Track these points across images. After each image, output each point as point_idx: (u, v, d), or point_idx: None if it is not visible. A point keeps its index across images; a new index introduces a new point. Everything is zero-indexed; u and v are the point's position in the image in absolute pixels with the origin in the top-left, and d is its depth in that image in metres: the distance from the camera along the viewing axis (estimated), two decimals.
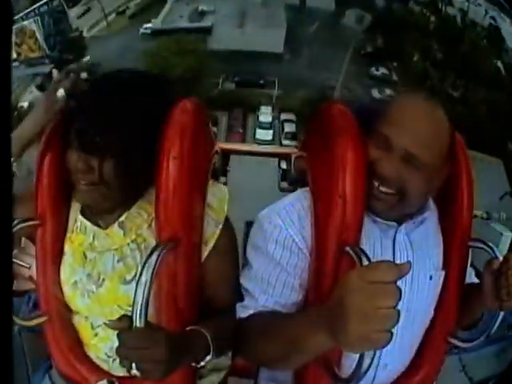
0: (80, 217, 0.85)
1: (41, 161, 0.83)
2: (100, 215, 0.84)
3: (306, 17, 15.23)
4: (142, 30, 15.07)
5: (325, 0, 15.60)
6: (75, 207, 0.86)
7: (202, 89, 11.58)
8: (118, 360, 0.64)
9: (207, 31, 15.19)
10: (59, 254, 0.85)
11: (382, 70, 14.40)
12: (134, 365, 0.61)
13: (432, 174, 0.79)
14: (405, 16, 14.85)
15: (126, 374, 0.78)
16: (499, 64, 13.44)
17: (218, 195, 0.85)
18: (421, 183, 0.79)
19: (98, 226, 0.84)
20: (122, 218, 0.82)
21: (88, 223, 0.84)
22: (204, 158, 0.86)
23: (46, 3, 13.14)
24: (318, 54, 14.41)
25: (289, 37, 15.09)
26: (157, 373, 0.63)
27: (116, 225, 0.83)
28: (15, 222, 0.80)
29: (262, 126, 13.24)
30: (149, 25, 15.20)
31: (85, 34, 14.35)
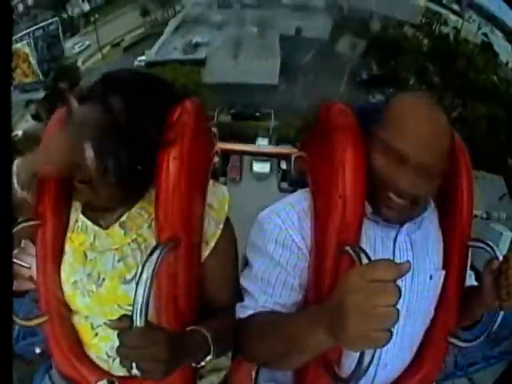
0: (81, 216, 0.85)
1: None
2: (101, 215, 0.84)
3: (301, 46, 15.19)
4: (136, 63, 15.11)
5: (319, 29, 15.79)
6: (76, 207, 0.86)
7: None
8: (118, 360, 0.64)
9: (201, 63, 15.11)
10: (59, 253, 0.85)
11: (379, 97, 14.40)
12: (134, 364, 0.61)
13: (439, 178, 0.80)
14: (399, 40, 14.92)
15: (126, 374, 0.78)
16: (495, 79, 13.52)
17: (218, 195, 0.85)
18: (432, 189, 0.80)
19: (99, 225, 0.84)
20: (123, 218, 0.83)
21: (89, 223, 0.84)
22: (204, 158, 0.86)
23: (41, 27, 13.17)
24: (314, 82, 14.34)
25: (283, 67, 15.09)
26: (157, 372, 0.63)
27: (117, 224, 0.83)
28: (15, 222, 0.80)
29: (259, 159, 13.05)
30: (143, 57, 15.26)
31: (79, 65, 14.45)
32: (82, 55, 14.68)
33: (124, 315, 0.64)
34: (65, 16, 14.47)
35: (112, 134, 0.75)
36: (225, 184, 0.95)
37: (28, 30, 12.49)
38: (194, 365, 0.76)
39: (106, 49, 15.68)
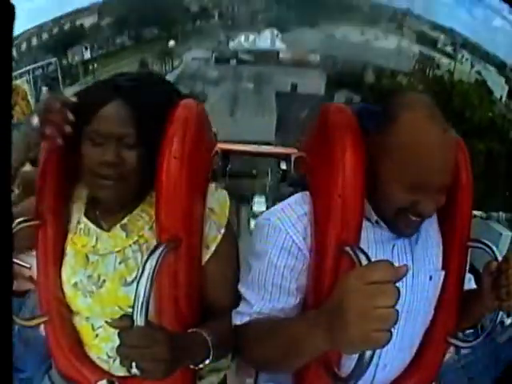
0: (84, 219, 0.85)
1: (42, 161, 0.83)
2: (103, 217, 0.84)
3: (297, 102, 15.21)
4: None
5: (315, 85, 15.87)
6: (78, 208, 0.86)
7: None
8: (118, 360, 0.64)
9: None
10: (60, 254, 0.85)
11: None
12: (134, 364, 0.61)
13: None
14: (393, 89, 15.00)
15: (127, 374, 0.78)
16: (490, 115, 13.62)
17: (219, 200, 0.85)
18: (444, 202, 0.79)
19: (101, 228, 0.84)
20: (125, 221, 0.83)
21: (92, 225, 0.84)
22: (204, 158, 0.86)
23: (41, 67, 13.18)
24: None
25: (279, 123, 15.06)
26: (157, 372, 0.63)
27: (118, 227, 0.83)
28: (16, 222, 0.80)
29: (257, 217, 12.87)
30: None
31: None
32: None
33: (124, 315, 0.64)
34: (65, 63, 14.63)
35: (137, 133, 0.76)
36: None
37: (28, 68, 12.52)
38: (192, 367, 0.76)
39: None
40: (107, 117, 0.76)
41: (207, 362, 0.75)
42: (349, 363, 0.72)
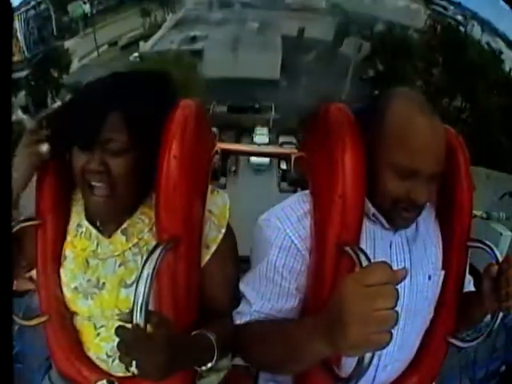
0: (85, 222, 0.85)
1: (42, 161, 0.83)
2: (103, 222, 0.84)
3: (304, 47, 14.86)
4: (131, 58, 14.95)
5: (323, 30, 15.41)
6: (78, 210, 0.86)
7: None
8: (117, 360, 0.64)
9: (198, 53, 14.57)
10: (60, 253, 0.85)
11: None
12: (134, 363, 0.61)
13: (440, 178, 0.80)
14: (405, 39, 14.84)
15: (126, 374, 0.78)
16: (506, 69, 13.37)
17: (219, 202, 0.85)
18: (435, 192, 0.80)
19: (102, 233, 0.84)
20: (125, 225, 0.83)
21: (93, 230, 0.84)
22: (204, 158, 0.86)
23: (33, 7, 13.10)
24: (317, 80, 13.95)
25: (285, 64, 14.57)
26: (155, 374, 0.62)
27: (119, 232, 0.83)
28: (15, 221, 0.80)
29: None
30: (136, 54, 15.09)
31: (75, 63, 14.45)
32: (78, 53, 14.69)
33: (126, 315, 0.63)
34: (66, 19, 14.54)
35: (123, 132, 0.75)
36: (225, 185, 0.95)
37: (21, 10, 12.35)
38: (196, 368, 0.76)
39: (103, 48, 15.67)
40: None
41: (213, 361, 0.75)
42: (349, 363, 0.72)
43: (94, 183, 0.76)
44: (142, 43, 15.40)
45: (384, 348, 0.56)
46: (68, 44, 14.48)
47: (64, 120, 0.78)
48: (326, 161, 0.80)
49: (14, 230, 0.79)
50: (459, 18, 15.03)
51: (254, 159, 12.16)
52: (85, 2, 15.19)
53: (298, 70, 14.41)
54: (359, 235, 0.78)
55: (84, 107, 0.77)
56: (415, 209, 0.79)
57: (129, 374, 0.64)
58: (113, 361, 0.84)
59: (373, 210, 0.81)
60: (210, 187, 0.86)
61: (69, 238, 0.86)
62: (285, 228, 0.82)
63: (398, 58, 14.65)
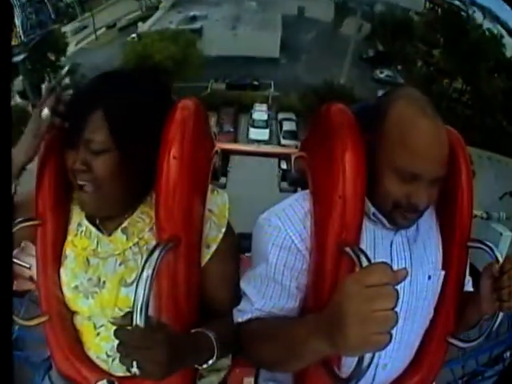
0: (85, 221, 0.85)
1: (42, 160, 0.83)
2: (104, 221, 0.84)
3: (304, 25, 14.74)
4: (129, 39, 14.85)
5: (323, 10, 15.26)
6: (78, 210, 0.86)
7: (185, 82, 10.75)
8: (117, 359, 0.64)
9: (197, 32, 14.39)
10: (60, 253, 0.86)
11: (387, 73, 14.13)
12: (135, 363, 0.61)
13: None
14: (406, 19, 14.75)
15: (126, 374, 0.78)
16: (508, 53, 13.22)
17: (219, 202, 0.85)
18: (437, 195, 0.80)
19: (102, 232, 0.84)
20: (125, 224, 0.83)
21: (93, 229, 0.84)
22: (204, 157, 0.86)
23: None
24: (317, 58, 13.82)
25: (285, 44, 14.44)
26: (156, 373, 0.63)
27: (119, 230, 0.83)
28: (15, 221, 0.80)
29: (257, 125, 12.10)
30: (134, 35, 15.01)
31: (72, 47, 14.40)
32: (75, 37, 14.62)
33: (128, 312, 0.63)
34: (61, 4, 14.47)
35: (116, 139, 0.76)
36: (225, 185, 0.94)
37: None
38: (196, 366, 0.76)
39: (101, 30, 15.59)
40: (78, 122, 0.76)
41: (212, 360, 0.75)
42: (349, 363, 0.72)
43: (79, 182, 0.77)
44: (140, 24, 15.24)
45: (383, 349, 0.56)
46: (65, 28, 14.38)
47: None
48: (326, 161, 0.80)
49: (14, 229, 0.79)
50: (458, 3, 14.96)
51: (253, 135, 11.72)
52: None
53: (297, 49, 14.26)
54: (359, 235, 0.78)
55: (70, 107, 0.79)
56: (416, 212, 0.79)
57: (129, 374, 0.64)
58: (113, 361, 0.84)
59: (373, 209, 0.81)
60: (209, 187, 0.86)
61: (69, 238, 0.86)
62: (285, 228, 0.82)
63: (398, 39, 14.55)
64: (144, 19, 15.46)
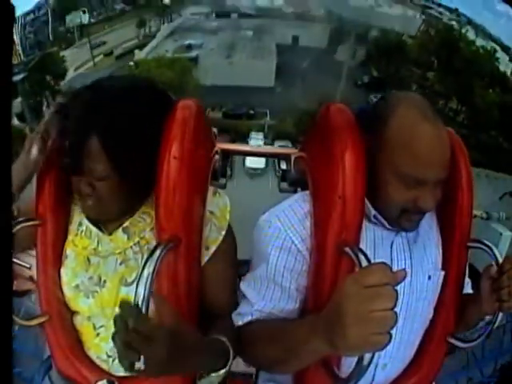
0: (85, 221, 0.85)
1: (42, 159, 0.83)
2: (104, 222, 0.84)
3: (298, 54, 14.84)
4: (127, 65, 15.04)
5: (317, 37, 15.50)
6: (79, 210, 0.86)
7: None
8: (117, 360, 0.63)
9: (193, 60, 14.47)
10: (60, 253, 0.86)
11: None
12: (142, 358, 0.59)
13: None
14: (399, 43, 14.87)
15: (126, 374, 0.78)
16: (502, 67, 13.40)
17: (219, 204, 0.85)
18: (441, 193, 0.80)
19: (103, 231, 0.84)
20: (126, 224, 0.83)
21: (94, 228, 0.85)
22: (204, 158, 0.86)
23: (32, 11, 13.16)
24: (311, 86, 13.88)
25: (280, 72, 14.60)
26: (153, 369, 0.61)
27: (120, 230, 0.83)
28: (16, 221, 0.80)
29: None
30: (131, 63, 15.19)
31: (71, 72, 14.52)
32: (74, 63, 14.88)
33: (132, 306, 0.62)
34: (62, 29, 14.69)
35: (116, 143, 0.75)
36: (225, 185, 0.94)
37: (20, 13, 12.45)
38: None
39: (99, 58, 15.86)
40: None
41: (230, 362, 0.74)
42: (349, 363, 0.72)
43: (84, 197, 0.79)
44: (137, 51, 15.55)
45: (383, 349, 0.56)
46: (64, 53, 14.61)
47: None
48: (326, 161, 0.80)
49: (15, 230, 0.79)
50: (454, 24, 15.19)
51: (249, 163, 11.88)
52: (84, 12, 15.32)
53: (292, 76, 14.42)
54: (359, 236, 0.78)
55: (65, 133, 0.77)
56: (422, 214, 0.79)
57: (129, 374, 0.63)
58: (113, 361, 0.84)
59: (374, 212, 0.81)
60: (211, 188, 0.86)
61: (70, 237, 0.86)
62: (285, 228, 0.82)
63: (392, 63, 14.74)
64: (141, 47, 15.71)
